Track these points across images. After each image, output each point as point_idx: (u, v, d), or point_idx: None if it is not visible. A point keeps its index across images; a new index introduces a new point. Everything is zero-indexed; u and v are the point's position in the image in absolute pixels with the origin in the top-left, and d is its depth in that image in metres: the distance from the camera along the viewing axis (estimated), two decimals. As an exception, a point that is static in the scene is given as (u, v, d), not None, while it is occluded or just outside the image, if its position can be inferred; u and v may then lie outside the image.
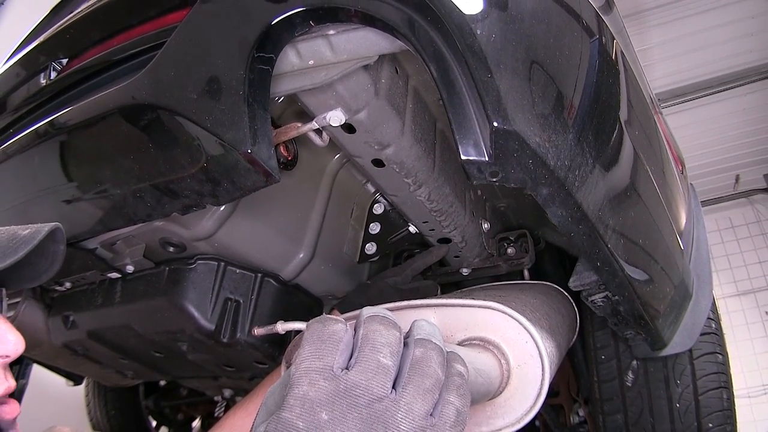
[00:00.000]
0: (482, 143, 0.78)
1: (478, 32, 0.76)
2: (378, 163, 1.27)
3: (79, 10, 1.11)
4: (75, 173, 1.13)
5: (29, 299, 1.66)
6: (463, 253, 1.61)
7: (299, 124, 1.16)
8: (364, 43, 0.94)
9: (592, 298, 1.20)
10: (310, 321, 0.57)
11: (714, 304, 1.52)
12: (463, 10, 0.76)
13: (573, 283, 1.18)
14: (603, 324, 1.54)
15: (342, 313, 1.34)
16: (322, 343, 0.53)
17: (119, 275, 1.44)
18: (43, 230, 0.77)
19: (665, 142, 1.38)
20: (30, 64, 1.16)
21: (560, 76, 0.86)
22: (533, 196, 0.87)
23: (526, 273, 1.69)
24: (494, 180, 0.82)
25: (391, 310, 1.04)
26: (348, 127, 1.17)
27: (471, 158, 0.80)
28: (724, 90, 5.08)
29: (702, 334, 1.43)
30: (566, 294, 1.59)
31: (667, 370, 1.44)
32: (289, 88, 1.04)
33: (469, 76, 0.76)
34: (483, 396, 0.88)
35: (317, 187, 1.49)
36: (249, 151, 0.86)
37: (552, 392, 1.86)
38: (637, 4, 4.52)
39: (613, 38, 1.09)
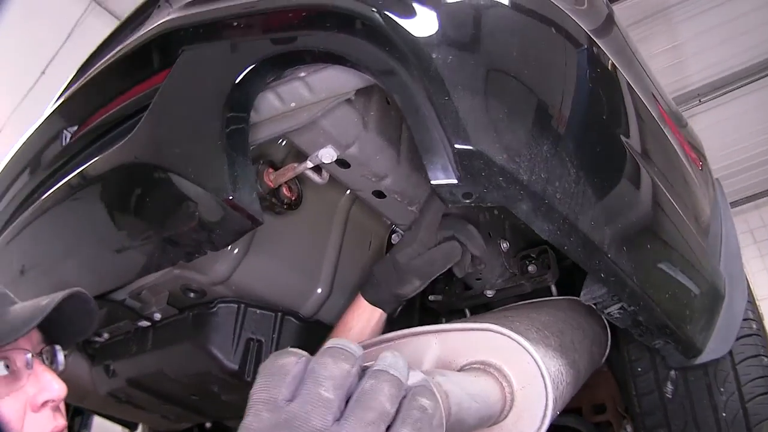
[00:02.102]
0: (450, 166, 0.79)
1: (433, 56, 0.78)
2: (379, 194, 1.28)
3: (87, 74, 1.20)
4: (90, 233, 1.21)
5: (74, 352, 1.76)
6: (484, 274, 1.59)
7: (296, 165, 1.20)
8: (337, 80, 0.98)
9: (608, 310, 1.16)
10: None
11: (753, 303, 1.43)
12: (416, 35, 0.78)
13: (584, 296, 1.14)
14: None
15: (369, 300, 1.33)
16: (271, 376, 0.55)
17: (149, 323, 1.50)
18: (57, 298, 0.88)
19: (676, 141, 1.33)
20: (46, 132, 1.26)
21: (527, 92, 0.85)
22: (516, 215, 0.86)
23: (553, 289, 1.64)
24: (469, 201, 0.82)
25: (390, 339, 1.04)
26: (342, 163, 1.20)
27: (441, 182, 0.80)
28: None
29: (741, 337, 1.35)
30: (593, 307, 1.54)
31: (708, 378, 1.36)
32: (276, 131, 1.08)
33: (428, 100, 0.78)
34: (482, 421, 0.86)
35: (330, 222, 1.51)
36: (230, 197, 0.90)
37: (598, 408, 1.78)
38: (660, 1, 4.40)
39: (595, 43, 1.08)
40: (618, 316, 1.17)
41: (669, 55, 4.91)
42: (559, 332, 1.13)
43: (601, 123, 0.99)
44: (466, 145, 0.76)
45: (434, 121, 0.78)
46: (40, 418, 0.86)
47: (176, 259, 1.08)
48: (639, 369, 1.46)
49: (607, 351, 1.51)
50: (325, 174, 1.29)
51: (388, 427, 0.54)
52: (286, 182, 1.30)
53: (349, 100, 1.09)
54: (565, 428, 1.73)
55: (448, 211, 1.34)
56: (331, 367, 0.54)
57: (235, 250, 1.31)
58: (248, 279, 1.35)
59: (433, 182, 0.81)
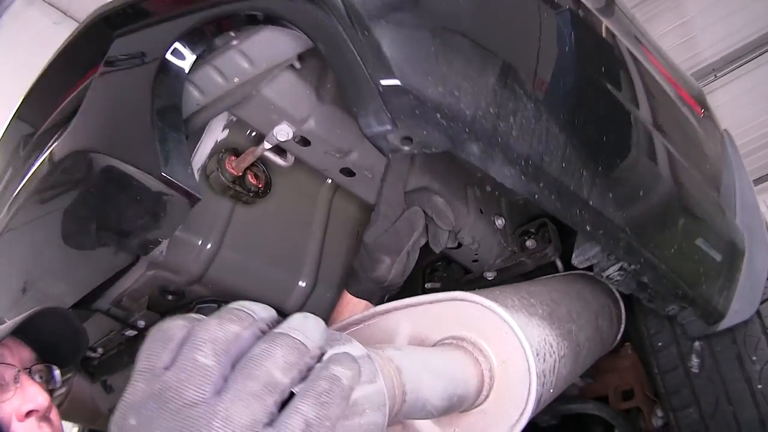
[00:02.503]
0: (381, 110, 0.71)
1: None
2: (348, 172, 1.20)
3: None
4: (52, 239, 1.17)
5: (77, 374, 1.73)
6: (481, 255, 1.48)
7: (255, 148, 1.14)
8: (271, 45, 0.92)
9: (607, 273, 1.05)
10: None
11: (782, 259, 1.27)
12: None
13: (576, 259, 1.03)
14: (653, 306, 1.34)
15: (353, 293, 1.25)
16: (153, 342, 0.47)
17: (135, 332, 1.45)
18: (25, 314, 0.95)
19: (665, 80, 1.20)
20: (7, 141, 1.23)
21: (463, 18, 0.76)
22: (468, 159, 0.77)
23: (558, 264, 1.52)
24: (410, 148, 0.73)
25: (358, 322, 0.95)
26: (302, 141, 1.13)
27: (375, 130, 0.72)
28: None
29: (770, 297, 1.20)
30: (609, 285, 1.41)
31: (737, 345, 1.21)
32: (221, 108, 1.02)
33: (347, 38, 0.69)
34: (454, 401, 0.76)
35: (311, 213, 1.44)
36: (162, 173, 0.83)
37: (626, 394, 1.63)
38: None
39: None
40: (619, 278, 1.04)
41: (678, 33, 4.70)
42: (551, 301, 1.01)
43: (565, 51, 0.88)
44: (391, 79, 0.67)
45: (356, 61, 0.69)
46: (25, 426, 0.92)
47: (133, 251, 1.02)
48: (659, 343, 1.32)
49: (622, 326, 1.37)
50: (289, 157, 1.22)
51: (287, 402, 0.45)
52: (251, 170, 1.24)
53: (294, 69, 1.02)
54: (590, 417, 1.58)
55: (423, 185, 1.25)
56: (214, 329, 0.45)
57: (208, 245, 1.25)
58: (224, 275, 1.29)
59: (366, 132, 0.72)
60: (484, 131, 0.73)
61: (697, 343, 1.26)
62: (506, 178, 0.78)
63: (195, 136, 1.21)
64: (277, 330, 0.49)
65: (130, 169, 0.88)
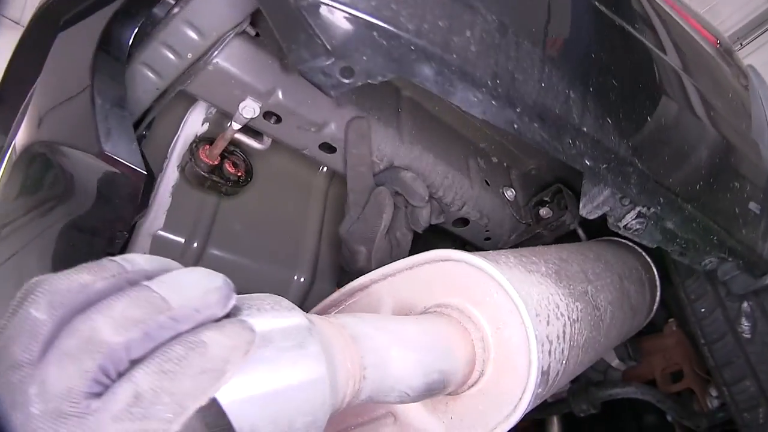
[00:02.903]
0: (312, 38, 0.61)
1: None
2: (327, 147, 1.11)
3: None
4: (31, 247, 1.12)
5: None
6: (492, 231, 1.36)
7: (224, 132, 1.07)
8: (216, 7, 0.85)
9: (624, 222, 0.91)
10: None
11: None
12: None
13: (584, 208, 0.90)
14: (690, 269, 1.18)
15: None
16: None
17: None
18: None
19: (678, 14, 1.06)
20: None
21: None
22: (423, 86, 0.66)
23: (581, 233, 1.38)
24: (353, 80, 0.63)
25: (339, 302, 0.85)
26: (273, 117, 1.05)
27: (309, 65, 0.63)
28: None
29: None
30: (632, 245, 1.26)
31: (793, 301, 1.05)
32: (178, 87, 0.96)
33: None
34: (435, 378, 0.64)
35: (305, 205, 1.36)
36: (104, 150, 0.77)
37: (674, 376, 1.45)
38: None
39: None
40: (639, 227, 0.90)
41: (698, 3, 4.45)
42: (559, 260, 0.88)
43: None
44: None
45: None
46: None
47: (101, 248, 0.96)
48: (702, 310, 1.16)
49: (658, 292, 1.21)
50: (266, 139, 1.15)
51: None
52: (229, 159, 1.16)
53: (251, 37, 0.95)
54: (640, 404, 1.41)
55: (414, 158, 1.15)
56: (57, 279, 0.36)
57: (193, 244, 1.18)
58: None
59: (300, 68, 0.63)
60: (434, 48, 0.62)
61: (745, 303, 1.10)
62: (474, 106, 0.67)
63: (170, 128, 1.15)
64: (144, 282, 0.39)
65: (76, 154, 0.82)
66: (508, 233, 1.38)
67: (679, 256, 0.98)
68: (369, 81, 0.64)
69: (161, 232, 1.14)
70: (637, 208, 0.88)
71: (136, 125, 1.00)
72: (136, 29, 0.85)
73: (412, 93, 1.25)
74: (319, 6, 0.58)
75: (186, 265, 1.18)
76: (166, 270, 0.42)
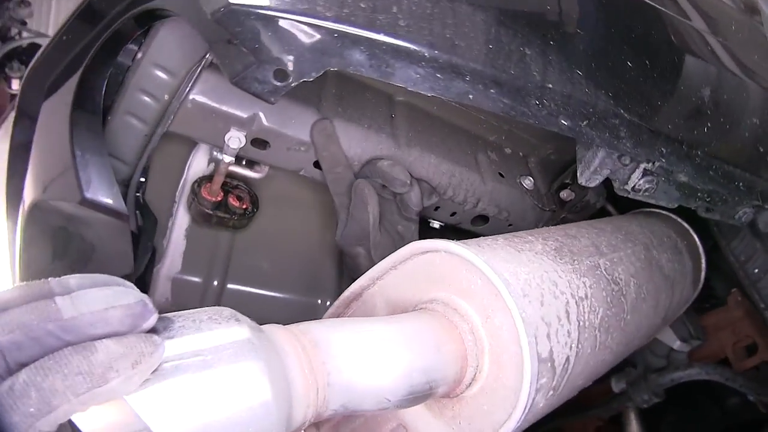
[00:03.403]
0: (239, 49, 0.61)
1: None
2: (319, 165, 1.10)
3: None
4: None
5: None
6: (515, 223, 1.30)
7: (218, 168, 1.08)
8: (175, 44, 0.88)
9: (631, 184, 0.84)
10: None
11: None
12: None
13: (583, 176, 0.84)
14: (734, 228, 1.07)
15: None
16: None
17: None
18: None
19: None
20: None
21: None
22: (360, 72, 0.64)
23: (611, 210, 1.29)
24: (287, 82, 0.63)
25: (334, 315, 0.82)
26: (260, 144, 1.05)
27: (242, 75, 0.63)
28: None
29: None
30: (666, 213, 1.15)
31: None
32: (161, 129, 0.98)
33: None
34: (418, 381, 0.60)
35: (316, 225, 1.34)
36: (85, 197, 0.79)
37: (748, 350, 1.30)
38: None
39: None
40: (649, 186, 0.83)
41: None
42: (564, 236, 0.82)
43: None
44: (216, 3, 0.58)
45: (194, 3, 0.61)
46: None
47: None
48: (756, 270, 1.04)
49: (703, 260, 1.10)
50: (263, 167, 1.15)
51: None
52: (232, 193, 1.18)
53: (217, 66, 0.97)
54: (717, 386, 1.26)
55: (414, 159, 1.12)
56: None
57: (213, 282, 1.19)
58: (237, 310, 1.21)
59: (234, 81, 0.63)
60: (359, 30, 0.60)
61: (803, 256, 0.97)
62: (418, 83, 0.64)
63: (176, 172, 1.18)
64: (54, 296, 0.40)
65: (63, 206, 0.85)
66: (534, 223, 1.31)
67: (707, 212, 0.89)
68: (305, 79, 0.63)
69: (180, 275, 1.16)
70: (641, 165, 0.81)
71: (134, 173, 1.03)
72: (105, 82, 0.88)
73: (405, 97, 1.23)
74: (232, 13, 0.58)
75: (208, 304, 1.20)
76: (91, 287, 0.42)
